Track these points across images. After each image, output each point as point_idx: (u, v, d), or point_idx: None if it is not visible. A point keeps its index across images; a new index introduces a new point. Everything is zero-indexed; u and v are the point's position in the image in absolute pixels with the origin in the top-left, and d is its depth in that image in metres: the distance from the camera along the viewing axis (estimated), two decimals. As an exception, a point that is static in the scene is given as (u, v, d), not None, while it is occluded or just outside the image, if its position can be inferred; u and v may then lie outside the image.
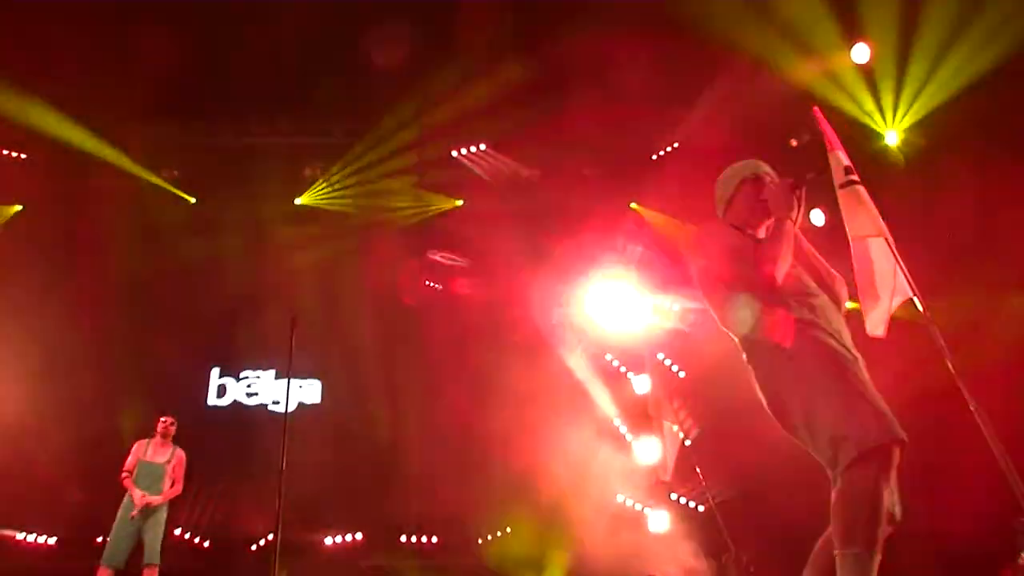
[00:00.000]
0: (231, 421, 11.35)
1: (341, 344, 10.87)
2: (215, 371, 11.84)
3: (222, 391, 11.83)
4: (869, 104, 8.98)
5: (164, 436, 8.17)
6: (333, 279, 10.89)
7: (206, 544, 10.45)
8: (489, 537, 10.67)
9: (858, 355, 3.67)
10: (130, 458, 8.03)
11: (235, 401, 11.76)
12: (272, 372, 11.72)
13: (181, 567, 8.91)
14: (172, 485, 8.01)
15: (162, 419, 8.23)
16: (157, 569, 7.75)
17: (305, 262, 10.69)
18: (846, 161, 5.61)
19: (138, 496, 7.74)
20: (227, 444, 10.54)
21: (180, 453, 8.18)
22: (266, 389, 11.76)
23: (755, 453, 10.36)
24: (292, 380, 6.50)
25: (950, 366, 4.59)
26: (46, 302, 10.00)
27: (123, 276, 10.72)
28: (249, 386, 11.80)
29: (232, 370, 11.86)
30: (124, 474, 7.92)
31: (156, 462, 8.01)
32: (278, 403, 11.50)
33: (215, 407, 11.66)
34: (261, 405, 11.61)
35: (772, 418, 3.68)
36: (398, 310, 11.22)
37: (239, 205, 10.91)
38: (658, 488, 9.59)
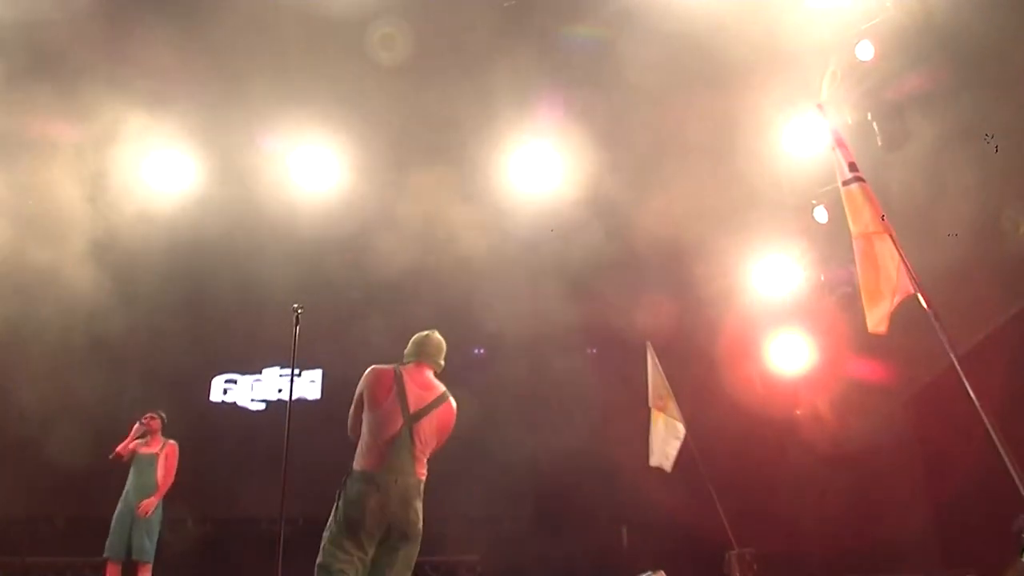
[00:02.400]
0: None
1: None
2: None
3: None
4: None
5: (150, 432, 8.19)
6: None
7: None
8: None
9: None
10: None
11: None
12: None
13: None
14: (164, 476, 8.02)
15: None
16: (149, 567, 7.76)
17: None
18: (850, 158, 5.64)
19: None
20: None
21: (171, 445, 8.20)
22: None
23: (759, 453, 10.44)
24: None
25: (954, 361, 4.62)
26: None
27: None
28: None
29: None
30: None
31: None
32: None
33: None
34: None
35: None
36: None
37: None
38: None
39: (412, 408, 4.67)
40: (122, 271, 10.50)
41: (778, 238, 10.66)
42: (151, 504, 7.78)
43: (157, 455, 8.03)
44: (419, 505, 4.58)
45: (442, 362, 5.07)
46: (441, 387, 4.90)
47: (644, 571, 7.23)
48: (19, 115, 9.63)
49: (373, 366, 4.82)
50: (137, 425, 8.10)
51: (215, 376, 11.92)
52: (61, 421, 9.90)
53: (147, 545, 7.72)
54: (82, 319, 10.11)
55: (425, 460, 4.68)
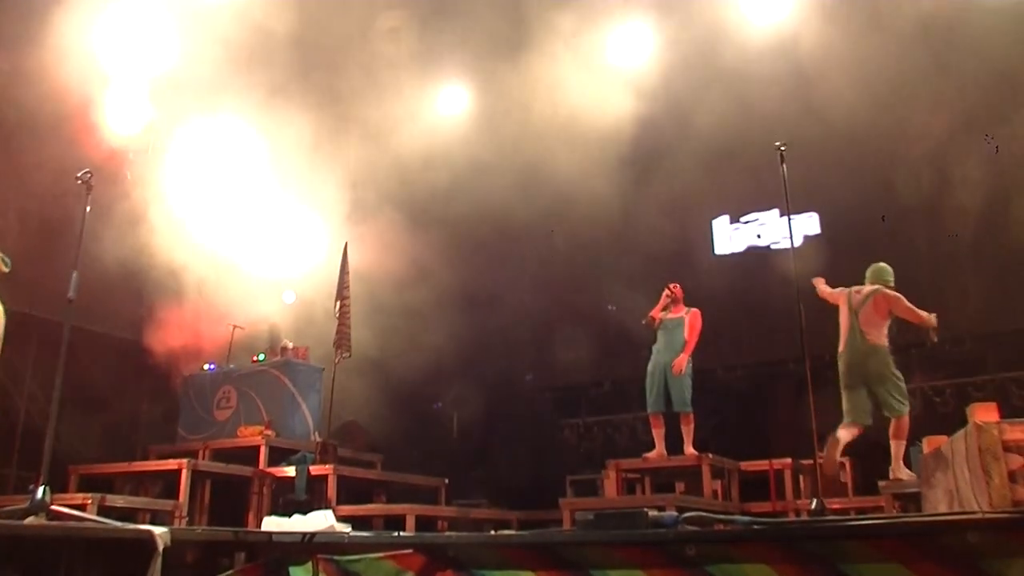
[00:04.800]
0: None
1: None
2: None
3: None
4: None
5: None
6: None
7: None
8: None
9: None
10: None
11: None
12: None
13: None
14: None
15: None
16: (691, 416, 8.41)
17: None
18: None
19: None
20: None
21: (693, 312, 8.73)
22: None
23: None
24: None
25: None
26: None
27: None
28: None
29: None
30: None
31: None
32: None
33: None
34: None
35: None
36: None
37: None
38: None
39: (854, 306, 7.54)
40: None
41: None
42: (682, 362, 8.41)
43: (683, 318, 8.66)
44: (876, 361, 7.27)
45: (888, 280, 7.53)
46: (872, 287, 7.51)
47: None
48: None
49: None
50: (664, 294, 8.80)
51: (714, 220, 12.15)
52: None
53: (685, 396, 8.40)
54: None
55: (877, 332, 7.35)
